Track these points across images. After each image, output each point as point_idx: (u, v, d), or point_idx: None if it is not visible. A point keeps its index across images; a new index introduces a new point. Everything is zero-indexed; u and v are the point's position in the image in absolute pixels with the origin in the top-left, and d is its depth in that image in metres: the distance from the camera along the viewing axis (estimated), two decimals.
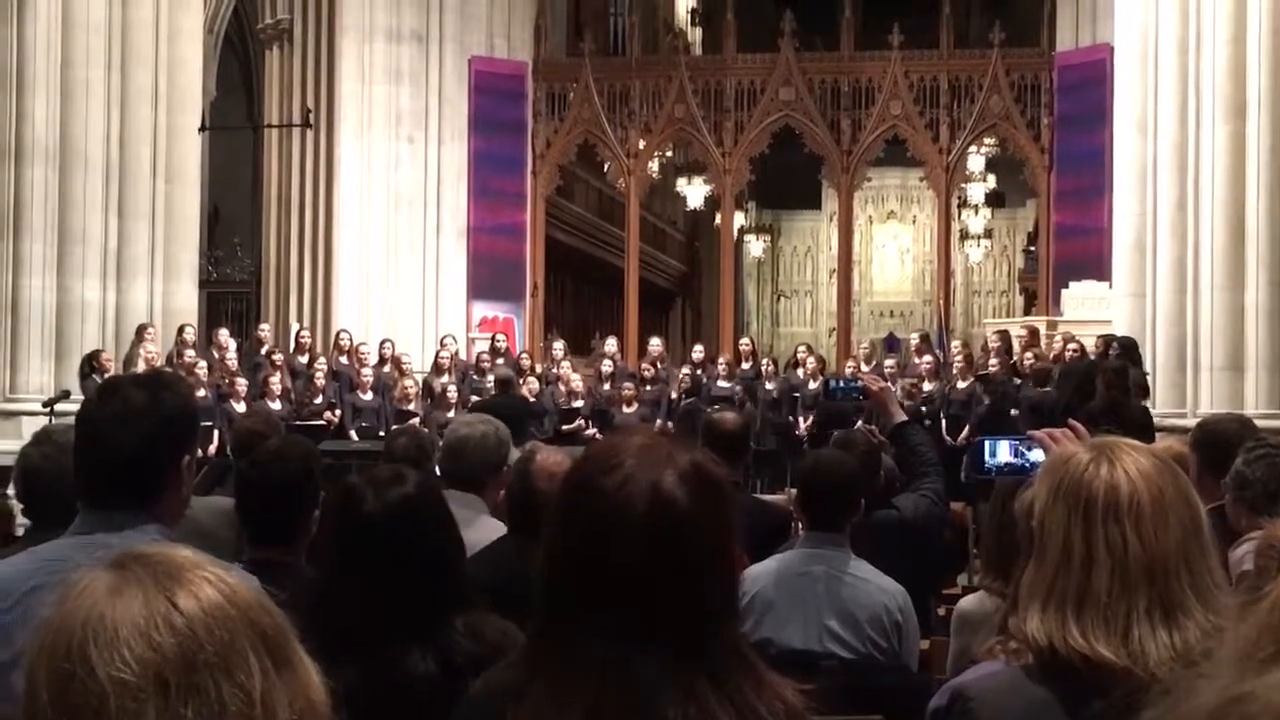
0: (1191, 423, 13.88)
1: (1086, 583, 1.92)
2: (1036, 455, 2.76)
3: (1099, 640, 1.89)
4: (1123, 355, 13.37)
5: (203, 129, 16.41)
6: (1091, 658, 1.88)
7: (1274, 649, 1.21)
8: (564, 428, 15.97)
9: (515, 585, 2.11)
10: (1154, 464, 1.99)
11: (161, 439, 2.76)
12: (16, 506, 4.56)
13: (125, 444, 2.72)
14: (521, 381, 16.35)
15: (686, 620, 1.72)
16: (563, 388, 16.57)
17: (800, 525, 4.78)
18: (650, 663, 1.70)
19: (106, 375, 13.87)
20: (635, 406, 16.20)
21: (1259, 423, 12.06)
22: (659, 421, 15.46)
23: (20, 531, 5.11)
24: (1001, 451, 3.07)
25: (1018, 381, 14.86)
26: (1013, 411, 14.25)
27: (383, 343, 17.40)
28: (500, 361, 16.99)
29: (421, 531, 2.89)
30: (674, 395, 16.37)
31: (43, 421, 13.13)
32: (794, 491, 5.61)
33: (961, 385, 15.11)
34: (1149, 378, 14.11)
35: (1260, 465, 4.20)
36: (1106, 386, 12.68)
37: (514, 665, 1.87)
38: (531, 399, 16.03)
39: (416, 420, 15.09)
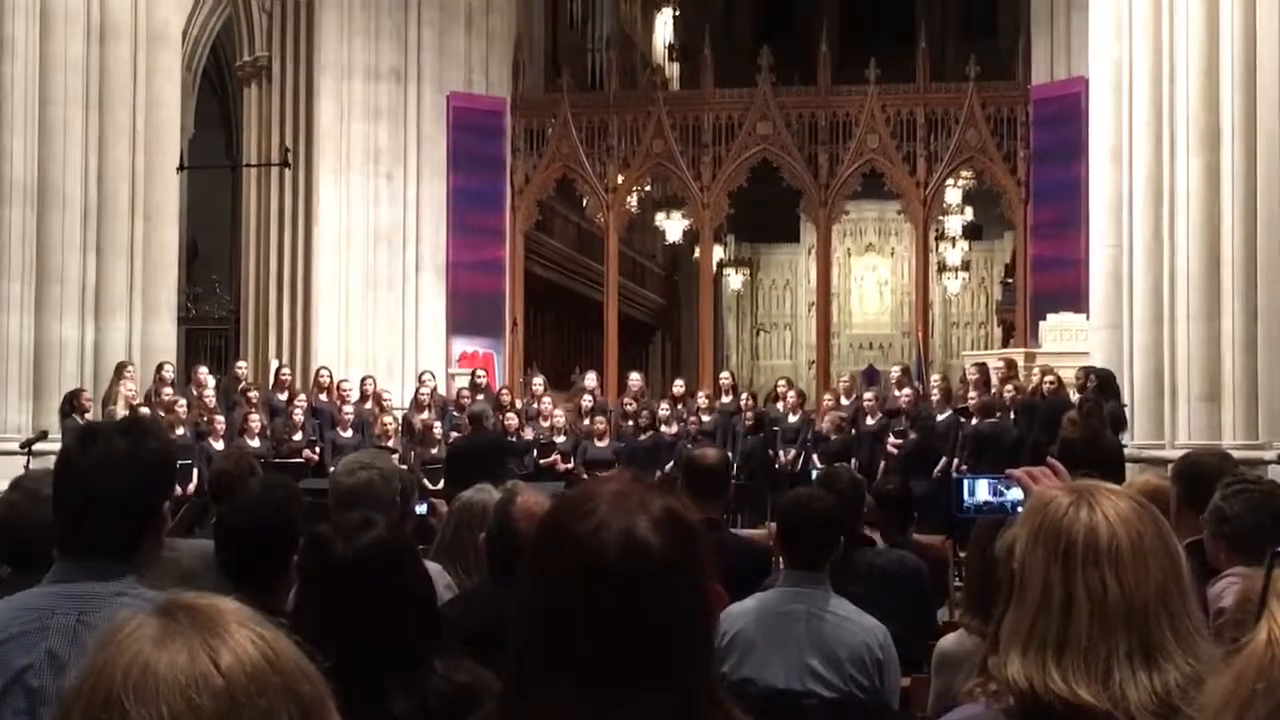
0: (1170, 454, 13.97)
1: (1066, 626, 1.93)
2: (1015, 494, 2.77)
3: (1080, 684, 1.89)
4: (1100, 388, 13.44)
5: (181, 168, 16.40)
6: (1072, 701, 1.89)
7: (1250, 699, 1.22)
8: (541, 461, 15.97)
9: (493, 629, 2.11)
10: (1133, 508, 1.99)
11: (143, 487, 2.75)
12: None
13: (107, 492, 2.71)
14: (501, 417, 16.34)
15: (662, 670, 1.71)
16: (544, 423, 16.57)
17: (780, 563, 4.78)
18: (625, 715, 1.70)
19: (86, 414, 13.83)
20: (607, 441, 16.22)
21: (1236, 453, 12.15)
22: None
23: None
24: (980, 490, 3.10)
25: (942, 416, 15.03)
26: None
27: (364, 379, 17.38)
28: (480, 397, 16.97)
29: (395, 574, 2.89)
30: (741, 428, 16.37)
31: (20, 461, 13.08)
32: (774, 526, 5.62)
33: (940, 418, 15.14)
34: (1126, 409, 14.18)
35: (1238, 501, 4.21)
36: (1085, 417, 12.75)
37: (488, 719, 1.86)
38: (512, 435, 16.01)
39: (395, 456, 15.07)
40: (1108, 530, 1.95)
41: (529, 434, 16.28)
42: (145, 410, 14.36)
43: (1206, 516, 4.25)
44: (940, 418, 15.11)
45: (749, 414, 16.72)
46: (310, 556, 2.93)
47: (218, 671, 1.25)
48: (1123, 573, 1.93)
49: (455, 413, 16.70)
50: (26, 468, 12.56)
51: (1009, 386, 14.77)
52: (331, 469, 15.38)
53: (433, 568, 4.24)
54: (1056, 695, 1.89)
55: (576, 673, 1.71)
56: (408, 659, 2.80)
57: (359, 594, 2.83)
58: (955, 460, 14.46)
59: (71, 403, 13.88)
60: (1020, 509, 2.61)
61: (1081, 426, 12.63)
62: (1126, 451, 13.99)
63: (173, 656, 1.25)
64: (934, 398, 15.73)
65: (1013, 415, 14.63)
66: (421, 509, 7.01)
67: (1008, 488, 2.87)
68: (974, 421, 14.58)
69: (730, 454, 13.34)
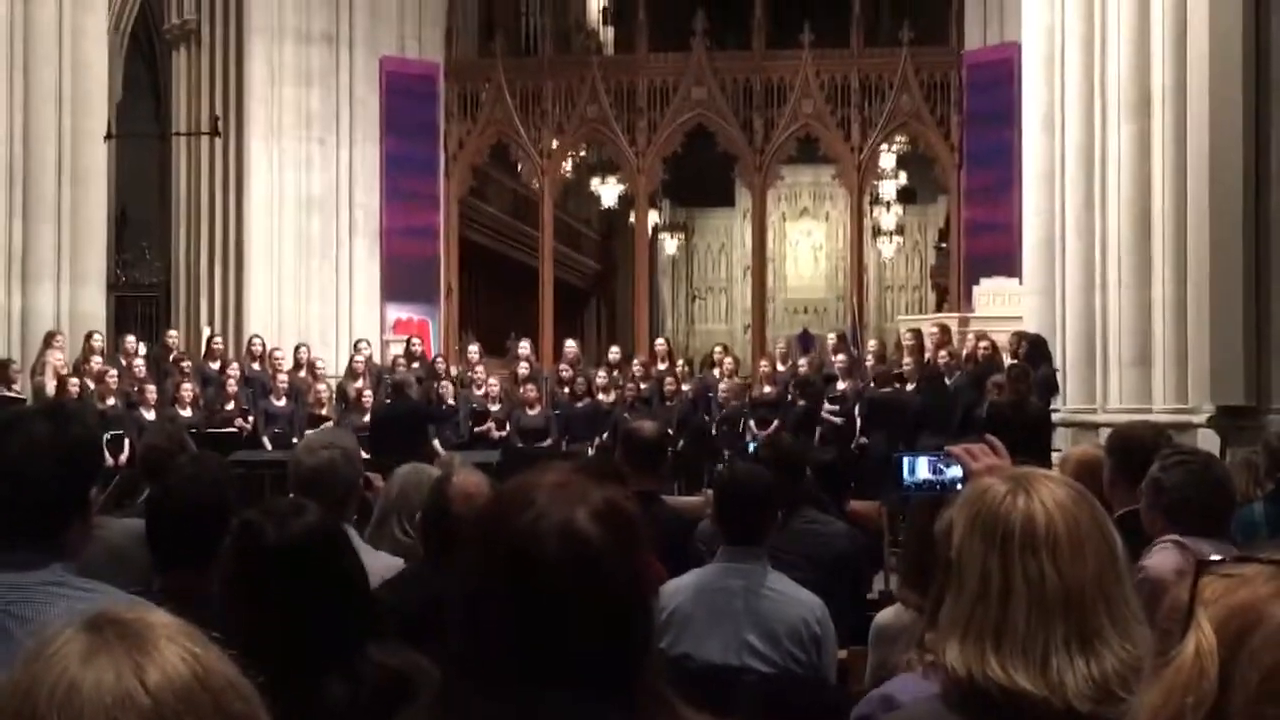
0: (1101, 418, 14.16)
1: (1004, 614, 1.93)
2: (954, 471, 2.77)
3: (1018, 671, 1.90)
4: (1031, 353, 13.55)
5: (109, 137, 16.15)
6: (1010, 689, 1.90)
7: (1179, 713, 1.22)
8: (475, 429, 15.93)
9: (428, 612, 2.09)
10: (1070, 495, 2.00)
11: (68, 475, 2.69)
12: None
13: (31, 480, 2.64)
14: (437, 384, 16.28)
15: (601, 659, 1.71)
16: (478, 390, 16.51)
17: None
18: (565, 706, 1.69)
19: (14, 385, 13.64)
20: (540, 409, 16.19)
21: (1166, 417, 12.35)
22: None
23: None
24: (920, 468, 3.09)
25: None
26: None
27: (298, 348, 17.24)
28: (415, 365, 16.89)
29: (327, 561, 2.86)
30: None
31: None
32: (710, 493, 5.63)
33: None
34: (1058, 374, 14.31)
35: (1176, 472, 4.27)
36: (1012, 383, 12.88)
37: (427, 707, 1.85)
38: (447, 402, 15.97)
39: (330, 424, 14.98)
40: (1045, 518, 1.96)
41: (459, 402, 16.21)
42: (74, 380, 14.19)
43: (1144, 487, 4.31)
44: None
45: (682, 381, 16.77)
46: (240, 542, 2.89)
47: (145, 690, 1.22)
48: (1060, 560, 1.94)
49: (389, 380, 16.62)
50: None
51: (943, 352, 14.85)
52: (265, 439, 15.36)
53: (393, 562, 4.21)
54: (995, 683, 1.90)
55: (515, 663, 1.71)
56: (341, 646, 2.77)
57: (291, 581, 2.79)
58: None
59: None
60: (960, 487, 2.63)
61: (1008, 392, 12.80)
62: (1058, 416, 14.16)
63: (99, 675, 1.22)
64: (869, 362, 15.81)
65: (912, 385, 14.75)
66: None
67: (948, 465, 2.87)
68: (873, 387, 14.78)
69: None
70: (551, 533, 1.72)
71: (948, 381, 14.44)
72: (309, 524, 2.89)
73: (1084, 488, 2.06)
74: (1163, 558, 3.97)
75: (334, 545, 2.92)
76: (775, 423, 14.93)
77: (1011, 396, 12.64)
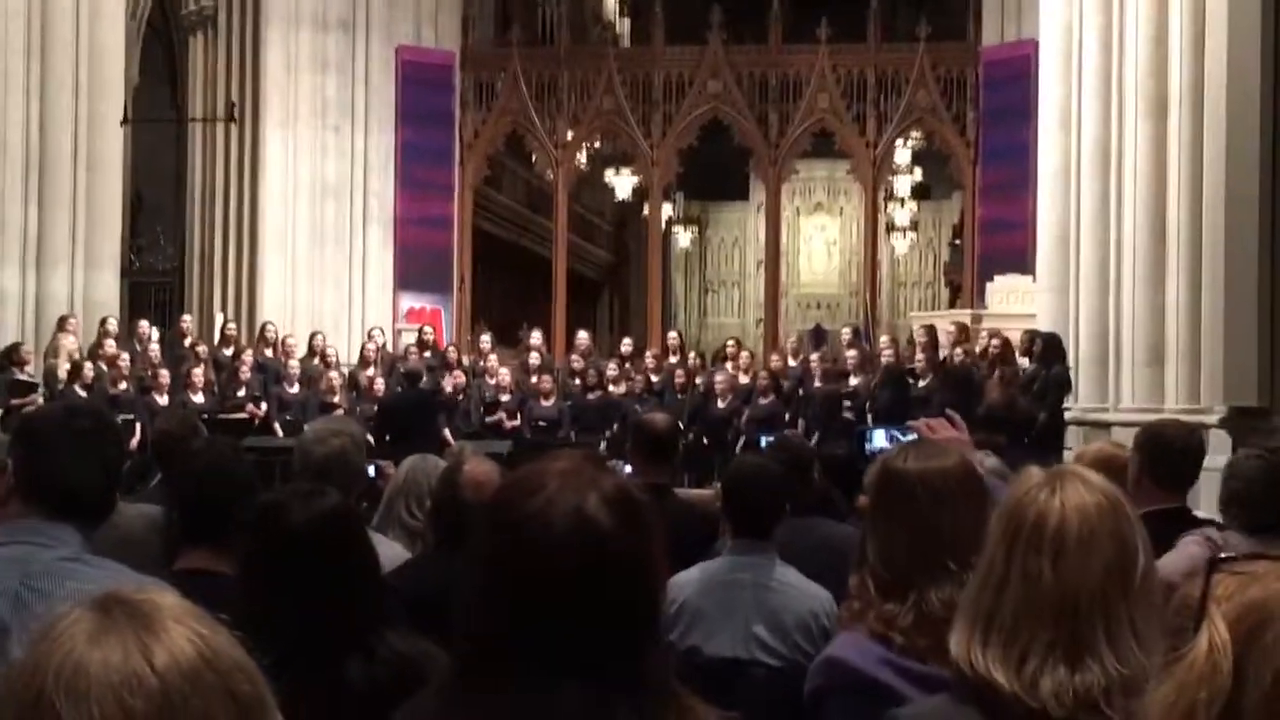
0: (1114, 417, 14.13)
1: (996, 607, 1.91)
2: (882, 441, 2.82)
3: (995, 665, 1.88)
4: (1046, 351, 13.54)
5: (125, 121, 16.18)
6: (987, 682, 1.88)
7: (1192, 709, 1.22)
8: (487, 419, 15.94)
9: (438, 598, 2.10)
10: (1098, 501, 1.95)
11: (105, 464, 2.86)
12: None
13: (78, 477, 2.82)
14: (448, 374, 16.29)
15: (608, 648, 1.71)
16: (490, 380, 16.51)
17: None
18: (572, 695, 1.69)
19: (26, 368, 13.68)
20: (553, 400, 16.18)
21: (1179, 416, 12.30)
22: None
23: None
24: (878, 439, 3.13)
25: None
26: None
27: (313, 335, 17.25)
28: (428, 354, 16.90)
29: (347, 544, 2.90)
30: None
31: None
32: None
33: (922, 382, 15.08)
34: (1072, 372, 14.28)
35: (1248, 465, 4.28)
36: (1005, 385, 12.92)
37: (435, 695, 1.85)
38: (455, 392, 15.99)
39: (340, 413, 15.00)
40: (1057, 518, 1.93)
41: (470, 391, 16.21)
42: (87, 364, 14.23)
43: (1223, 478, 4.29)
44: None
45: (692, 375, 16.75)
46: (264, 522, 2.92)
47: (152, 671, 1.21)
48: (1060, 563, 1.90)
49: (401, 369, 16.64)
50: None
51: (959, 350, 14.84)
52: (276, 425, 15.39)
53: (400, 552, 4.22)
54: (977, 674, 1.89)
55: (524, 652, 1.71)
56: (359, 628, 2.81)
57: (313, 560, 2.83)
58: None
59: (10, 356, 13.73)
60: None
61: (1000, 393, 12.86)
62: (1070, 415, 14.13)
63: (106, 655, 1.22)
64: (884, 358, 15.76)
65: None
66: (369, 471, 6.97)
67: (904, 435, 2.91)
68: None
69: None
70: (560, 517, 1.72)
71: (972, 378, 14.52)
72: (332, 506, 2.93)
73: (1122, 497, 2.01)
74: (1177, 555, 3.94)
75: (354, 528, 2.98)
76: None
77: (1002, 398, 12.72)
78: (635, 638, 1.74)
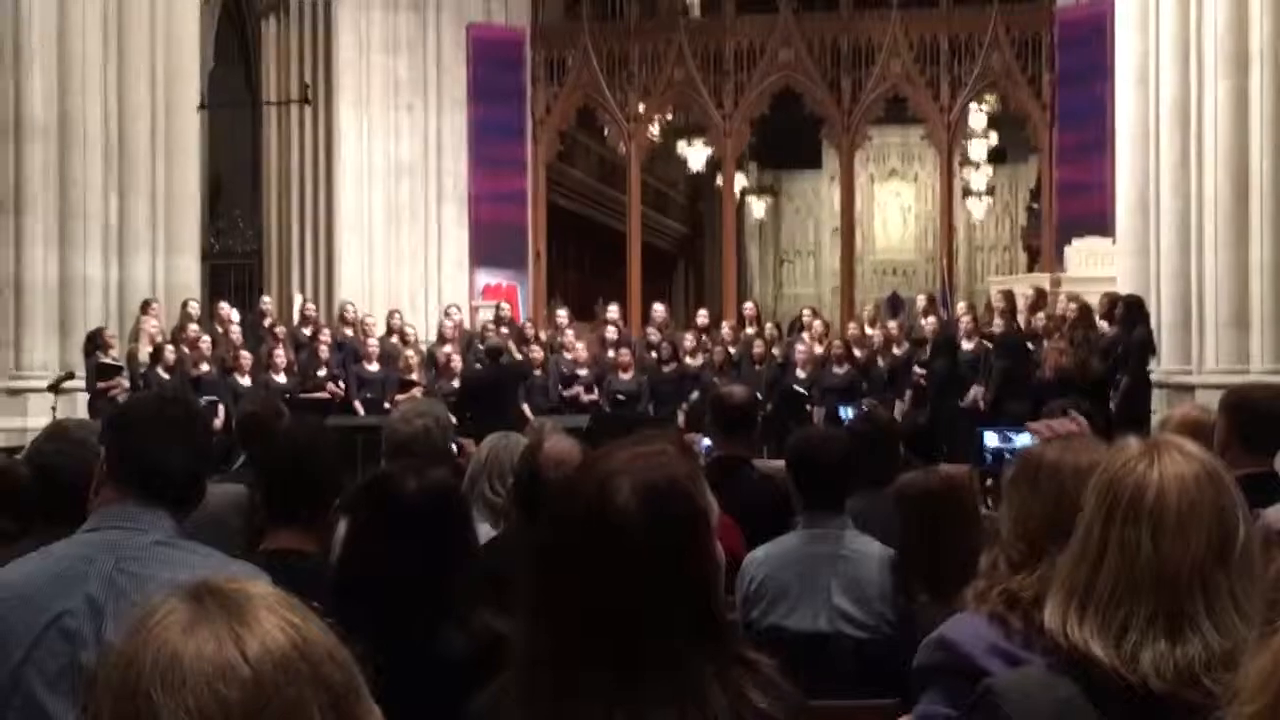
0: (1197, 379, 13.95)
1: (1094, 580, 1.89)
2: (1022, 440, 2.76)
3: (1093, 638, 1.86)
4: (1129, 313, 13.36)
5: (201, 107, 16.35)
6: (1085, 655, 1.87)
7: None
8: (564, 394, 15.99)
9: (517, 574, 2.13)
10: (1197, 471, 1.92)
11: (198, 451, 2.96)
12: None
13: (175, 459, 2.90)
14: (526, 349, 16.36)
15: (675, 629, 1.73)
16: (567, 354, 16.56)
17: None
18: (644, 680, 1.71)
19: (111, 352, 13.89)
20: (632, 373, 16.18)
21: (1263, 378, 12.10)
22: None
23: None
24: (990, 440, 3.09)
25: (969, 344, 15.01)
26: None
27: (391, 313, 17.38)
28: (505, 330, 16.98)
29: (455, 518, 3.01)
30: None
31: (48, 400, 13.17)
32: None
33: (968, 345, 14.99)
34: (1154, 335, 14.11)
35: None
36: (1075, 348, 12.78)
37: (504, 689, 1.87)
38: (534, 367, 16.06)
39: (419, 390, 15.12)
40: (1157, 489, 1.90)
41: (548, 366, 16.27)
42: (169, 347, 14.42)
43: None
44: (968, 346, 14.98)
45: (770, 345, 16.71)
46: (371, 495, 2.98)
47: (245, 661, 1.23)
48: (1160, 536, 1.88)
49: (480, 345, 16.71)
50: (54, 409, 12.66)
51: (1039, 314, 14.69)
52: (356, 403, 15.53)
53: (484, 530, 4.28)
54: (1074, 646, 1.87)
55: (590, 641, 1.74)
56: (458, 600, 2.87)
57: (428, 530, 2.90)
58: (983, 390, 14.42)
59: (95, 341, 13.93)
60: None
61: (1071, 356, 12.71)
62: (1153, 378, 13.96)
63: (200, 645, 1.24)
64: (962, 325, 15.64)
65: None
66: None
67: (1016, 434, 2.85)
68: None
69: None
70: (616, 501, 1.76)
71: (1030, 345, 14.40)
72: (444, 477, 3.05)
73: (1222, 467, 1.98)
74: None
75: (461, 502, 3.08)
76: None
77: (1075, 361, 12.60)
78: (695, 618, 1.76)
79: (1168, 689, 1.82)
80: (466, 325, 17.97)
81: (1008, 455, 2.75)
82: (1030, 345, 14.56)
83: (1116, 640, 1.85)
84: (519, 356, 16.06)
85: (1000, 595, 2.39)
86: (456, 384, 15.28)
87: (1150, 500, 1.89)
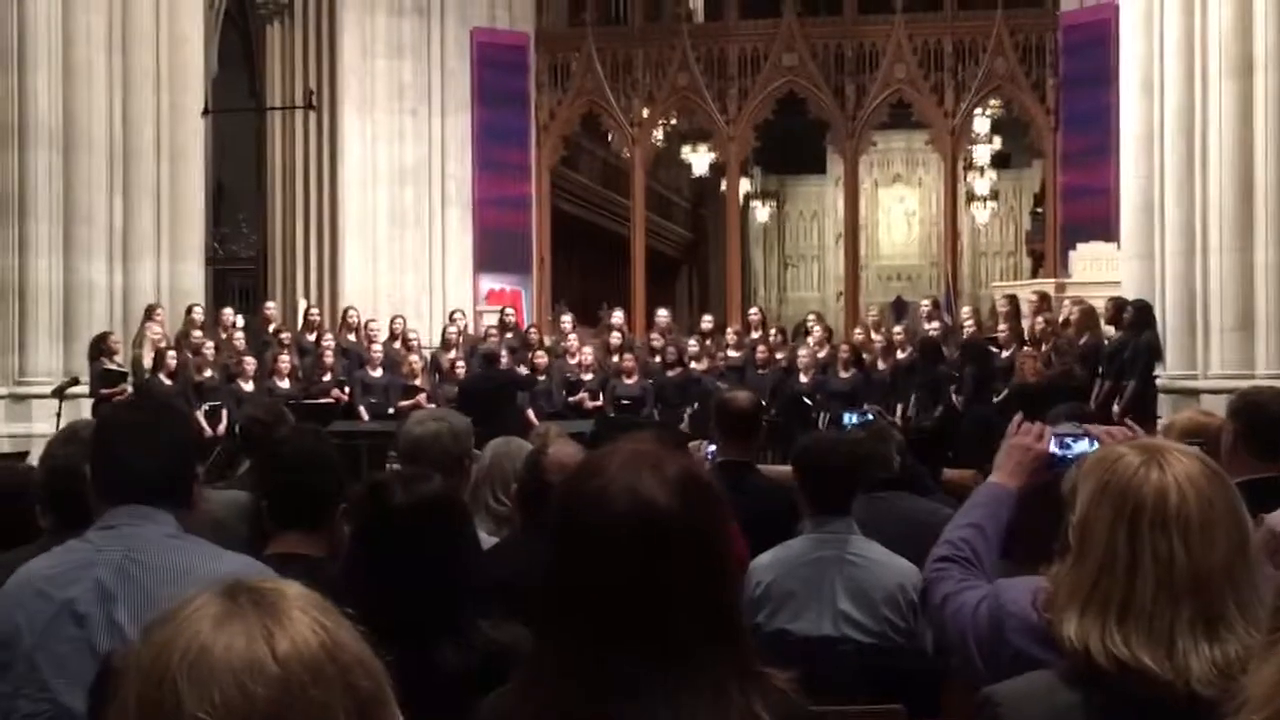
0: (1202, 384, 13.93)
1: (1131, 590, 1.89)
2: (1080, 447, 2.72)
3: (1142, 649, 1.86)
4: (1137, 317, 13.34)
5: (206, 112, 16.36)
6: (1132, 665, 1.86)
7: None
8: (569, 399, 15.98)
9: (526, 583, 2.11)
10: (1204, 472, 1.94)
11: (189, 456, 3.16)
12: None
13: (167, 456, 3.03)
14: (530, 355, 16.35)
15: (682, 630, 1.71)
16: (571, 360, 16.55)
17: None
18: (650, 680, 1.69)
19: (115, 357, 13.89)
20: (636, 378, 16.17)
21: (1268, 384, 12.09)
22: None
23: None
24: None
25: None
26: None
27: (394, 319, 17.38)
28: (509, 335, 16.97)
29: (450, 527, 2.97)
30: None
31: (52, 406, 13.16)
32: None
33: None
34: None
35: None
36: (1059, 355, 12.78)
37: (512, 692, 1.86)
38: (537, 373, 16.04)
39: (423, 396, 15.12)
40: (1178, 495, 1.90)
41: (552, 371, 16.25)
42: (172, 352, 14.42)
43: None
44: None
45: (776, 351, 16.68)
46: (368, 504, 2.97)
47: (274, 659, 1.23)
48: (1190, 540, 1.89)
49: (480, 351, 16.69)
50: (58, 414, 12.65)
51: (1040, 319, 14.68)
52: (361, 408, 15.53)
53: (485, 538, 4.25)
54: (1115, 658, 1.86)
55: (593, 629, 1.72)
56: (456, 613, 2.85)
57: (416, 543, 2.88)
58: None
59: (99, 346, 13.93)
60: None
61: (1056, 363, 12.74)
62: (1159, 382, 13.94)
63: (230, 640, 1.24)
64: (966, 328, 15.62)
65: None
66: None
67: (1075, 441, 2.81)
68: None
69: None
70: (619, 499, 1.73)
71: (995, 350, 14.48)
72: (435, 489, 3.00)
73: (1218, 465, 2.00)
74: None
75: (456, 512, 3.03)
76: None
77: (1059, 367, 12.62)
78: (707, 618, 1.74)
79: (1213, 693, 1.82)
80: (471, 331, 17.97)
81: (1068, 458, 2.71)
82: (995, 350, 14.59)
83: (1168, 649, 1.86)
84: (506, 364, 15.97)
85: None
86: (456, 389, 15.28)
87: (1174, 505, 1.90)
